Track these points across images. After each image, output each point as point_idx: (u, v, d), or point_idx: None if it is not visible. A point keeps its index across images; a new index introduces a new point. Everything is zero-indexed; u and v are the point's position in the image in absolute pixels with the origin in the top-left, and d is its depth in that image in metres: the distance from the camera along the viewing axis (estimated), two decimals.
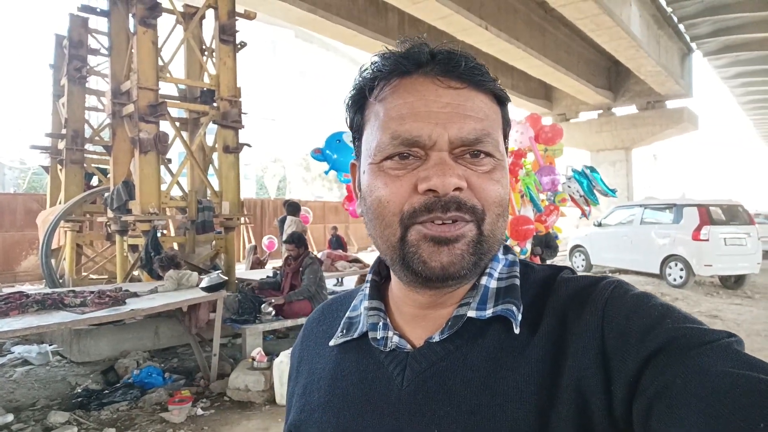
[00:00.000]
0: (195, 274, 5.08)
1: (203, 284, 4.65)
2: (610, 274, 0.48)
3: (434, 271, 0.54)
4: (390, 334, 0.61)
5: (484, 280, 0.60)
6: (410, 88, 0.56)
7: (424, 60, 0.57)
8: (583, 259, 11.99)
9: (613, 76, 21.44)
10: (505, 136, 0.62)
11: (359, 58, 43.55)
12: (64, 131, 7.89)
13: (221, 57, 6.91)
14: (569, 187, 5.73)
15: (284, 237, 7.68)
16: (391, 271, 0.63)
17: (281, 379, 4.10)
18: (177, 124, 7.00)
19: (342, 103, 0.64)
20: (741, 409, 0.39)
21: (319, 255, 7.85)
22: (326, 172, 3.71)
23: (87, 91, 8.29)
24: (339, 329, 0.66)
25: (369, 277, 0.68)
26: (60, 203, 7.96)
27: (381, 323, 0.62)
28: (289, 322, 5.30)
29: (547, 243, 5.72)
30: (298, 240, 5.71)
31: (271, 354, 4.65)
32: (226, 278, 4.84)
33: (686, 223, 9.43)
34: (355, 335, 0.64)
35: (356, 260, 7.71)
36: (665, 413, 0.43)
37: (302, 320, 5.41)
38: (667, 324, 0.48)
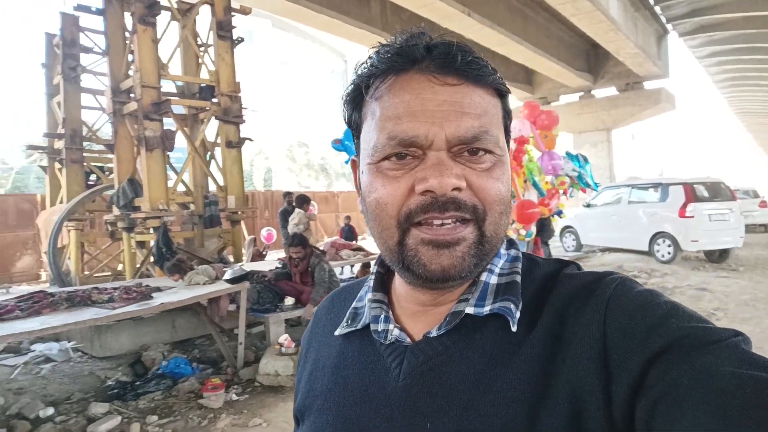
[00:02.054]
0: (207, 269, 5.22)
1: (227, 276, 4.81)
2: (614, 271, 0.50)
3: (434, 274, 0.54)
4: (391, 326, 0.62)
5: (484, 276, 0.59)
6: (406, 86, 0.55)
7: (419, 56, 0.55)
8: (574, 240, 12.37)
9: (592, 59, 21.81)
10: (506, 129, 0.60)
11: (338, 46, 43.33)
12: (61, 130, 7.90)
13: (219, 53, 6.99)
14: (566, 167, 6.03)
15: (289, 228, 7.85)
16: None
17: None
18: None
19: (337, 98, 0.62)
20: (749, 410, 0.39)
21: (322, 245, 8.04)
22: (346, 162, 3.85)
23: (82, 90, 8.28)
24: (344, 319, 0.67)
25: (374, 268, 0.68)
26: (61, 202, 7.99)
27: (383, 316, 0.63)
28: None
29: (541, 226, 5.99)
30: (301, 242, 5.71)
31: (297, 340, 4.85)
32: (248, 270, 5.00)
33: (672, 201, 9.83)
34: (359, 326, 0.65)
35: (359, 248, 7.90)
36: (671, 413, 0.42)
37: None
38: (672, 323, 0.48)
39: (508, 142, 0.61)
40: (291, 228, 7.59)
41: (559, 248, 12.39)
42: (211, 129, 7.39)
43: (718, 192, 10.08)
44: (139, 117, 6.26)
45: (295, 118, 34.38)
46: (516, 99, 22.72)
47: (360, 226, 16.91)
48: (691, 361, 0.44)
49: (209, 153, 7.39)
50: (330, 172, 32.24)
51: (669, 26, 19.91)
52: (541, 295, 0.57)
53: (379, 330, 0.62)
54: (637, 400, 0.45)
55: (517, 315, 0.56)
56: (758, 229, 15.68)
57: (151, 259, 6.47)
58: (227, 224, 7.27)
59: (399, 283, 0.64)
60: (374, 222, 0.57)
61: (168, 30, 7.26)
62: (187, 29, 6.92)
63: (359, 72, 0.59)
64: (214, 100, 7.07)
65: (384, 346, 0.61)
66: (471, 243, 0.54)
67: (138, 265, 6.90)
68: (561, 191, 6.03)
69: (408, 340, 0.60)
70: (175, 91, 7.49)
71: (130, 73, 6.63)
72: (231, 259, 7.22)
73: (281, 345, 4.60)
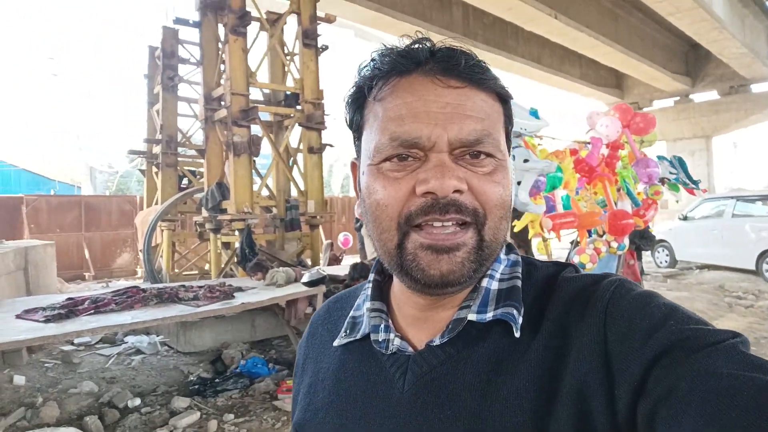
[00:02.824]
0: (288, 270, 5.30)
1: (305, 279, 4.86)
2: (612, 273, 0.43)
3: (433, 279, 0.53)
4: (392, 336, 0.61)
5: (485, 282, 0.59)
6: (409, 88, 0.55)
7: (422, 58, 0.55)
8: (667, 255, 11.47)
9: (691, 61, 20.31)
10: (507, 135, 0.60)
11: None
12: (159, 136, 8.45)
13: (304, 61, 7.16)
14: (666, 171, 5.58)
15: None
16: None
17: None
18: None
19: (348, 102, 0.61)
20: (748, 412, 0.39)
21: None
22: None
23: (178, 98, 8.83)
24: (343, 329, 0.66)
25: (372, 276, 0.67)
26: (156, 203, 8.53)
27: (383, 325, 0.62)
28: None
29: (641, 235, 5.58)
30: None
31: None
32: (326, 274, 5.02)
33: None
34: (358, 336, 0.63)
35: None
36: (671, 416, 0.42)
37: None
38: (671, 325, 0.47)
39: (509, 147, 0.60)
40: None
41: (650, 263, 11.51)
42: (293, 135, 7.58)
43: None
44: (228, 123, 6.53)
45: None
46: (604, 104, 21.60)
47: None
48: (689, 364, 0.43)
49: (291, 158, 7.58)
50: None
51: None
52: (541, 299, 0.57)
53: (380, 340, 0.61)
54: (638, 404, 0.45)
55: (520, 320, 0.55)
56: None
57: (235, 259, 6.71)
58: (306, 228, 7.41)
59: (398, 289, 0.63)
60: (374, 224, 0.56)
61: (257, 39, 7.56)
62: (274, 38, 7.16)
63: (362, 74, 0.59)
64: (298, 107, 7.24)
65: (386, 357, 0.60)
66: (470, 248, 0.53)
67: (222, 265, 7.19)
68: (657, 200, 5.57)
69: (410, 349, 0.60)
70: (261, 98, 7.77)
71: (222, 81, 6.94)
72: (309, 262, 7.34)
73: None
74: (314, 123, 7.10)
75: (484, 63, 0.57)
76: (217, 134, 7.14)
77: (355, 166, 0.65)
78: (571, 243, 5.80)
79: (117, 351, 5.81)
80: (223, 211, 6.87)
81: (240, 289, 5.09)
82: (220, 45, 7.07)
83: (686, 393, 0.42)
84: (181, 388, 4.63)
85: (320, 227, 7.79)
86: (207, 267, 8.68)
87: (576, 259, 4.36)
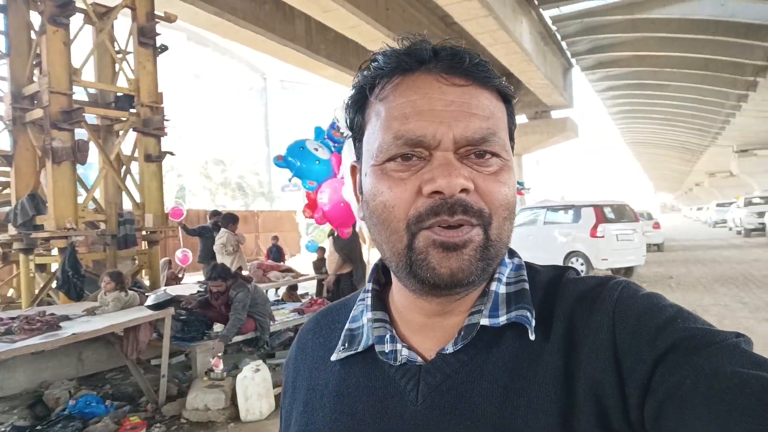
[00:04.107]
0: (136, 296, 4.76)
1: (149, 302, 4.39)
2: (614, 275, 0.50)
3: (443, 277, 0.52)
4: (399, 347, 0.58)
5: (493, 286, 0.58)
6: (413, 86, 0.54)
7: (426, 57, 0.55)
8: None
9: None
10: (511, 136, 0.60)
11: (258, 63, 42.54)
12: None
13: (140, 61, 6.54)
14: None
15: (215, 248, 7.38)
16: (393, 279, 0.61)
17: (245, 394, 3.99)
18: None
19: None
20: (750, 410, 0.40)
21: (248, 267, 7.65)
22: (290, 180, 3.67)
23: None
24: (340, 342, 0.63)
25: (369, 286, 0.65)
26: None
27: (388, 336, 0.59)
28: (239, 337, 5.14)
29: None
30: (221, 274, 5.22)
31: (227, 366, 4.50)
32: (173, 295, 4.59)
33: (584, 222, 10.48)
34: (360, 348, 0.61)
35: (289, 269, 7.61)
36: (675, 415, 0.43)
37: (250, 335, 5.28)
38: (677, 324, 0.48)
39: (512, 148, 0.60)
40: (217, 248, 7.15)
41: None
42: (127, 142, 6.83)
43: (623, 214, 10.89)
44: (46, 126, 5.65)
45: (210, 134, 33.07)
46: None
47: (289, 246, 16.42)
48: (693, 362, 0.44)
49: (124, 167, 6.81)
50: (248, 191, 31.25)
51: (573, 60, 21.58)
52: (548, 302, 0.57)
53: (387, 351, 0.58)
54: (645, 402, 0.46)
55: (533, 323, 0.55)
56: (652, 248, 17.11)
57: (54, 284, 5.79)
58: (144, 245, 6.72)
59: (401, 296, 0.60)
60: (381, 226, 0.54)
61: (81, 32, 6.67)
62: (104, 33, 6.39)
63: (363, 74, 0.58)
64: (132, 110, 6.55)
65: (394, 369, 0.58)
66: (477, 246, 0.52)
67: (37, 291, 6.16)
68: None
69: (419, 359, 0.58)
70: (86, 99, 6.86)
71: (35, 78, 5.98)
72: (147, 283, 6.65)
73: (209, 372, 4.24)
74: (152, 128, 6.49)
75: (488, 62, 0.57)
76: (29, 138, 6.13)
77: (354, 169, 0.63)
78: None
79: None
80: (38, 228, 5.90)
81: (67, 318, 4.40)
82: (33, 35, 6.10)
83: (690, 391, 0.43)
84: None
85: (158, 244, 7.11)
86: (11, 294, 7.35)
87: None
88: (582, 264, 10.52)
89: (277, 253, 9.39)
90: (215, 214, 8.53)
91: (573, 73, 23.53)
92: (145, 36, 6.52)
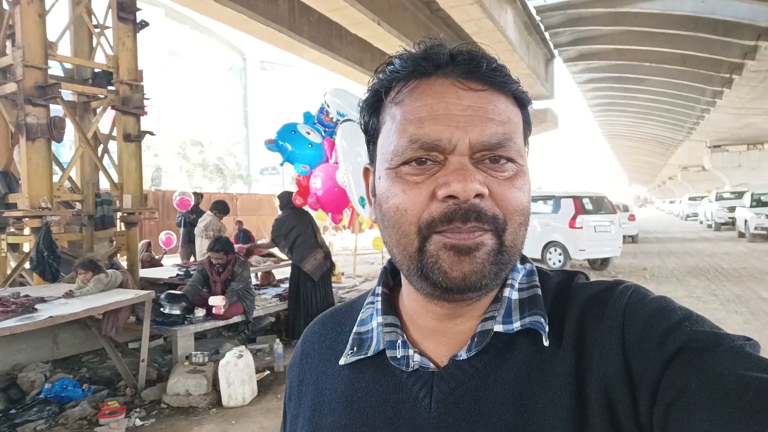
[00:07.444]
0: (118, 274, 4.65)
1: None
2: (623, 279, 0.50)
3: (455, 281, 0.52)
4: (411, 352, 0.58)
5: (506, 292, 0.57)
6: (429, 90, 0.54)
7: (443, 61, 0.54)
8: None
9: None
10: (526, 140, 0.60)
11: (238, 43, 41.64)
12: None
13: (120, 36, 6.31)
14: None
15: (196, 231, 7.27)
16: (403, 282, 0.61)
17: (228, 380, 3.95)
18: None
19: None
20: (753, 412, 0.40)
21: None
22: (281, 164, 3.59)
23: None
24: (348, 346, 0.62)
25: (379, 290, 0.64)
26: None
27: (400, 341, 0.59)
28: (222, 323, 5.09)
29: None
30: (225, 247, 5.29)
31: (208, 352, 4.45)
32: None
33: (563, 213, 10.61)
34: (369, 353, 0.60)
35: (270, 255, 7.54)
36: (681, 418, 0.43)
37: (236, 319, 5.22)
38: (685, 326, 0.49)
39: (527, 153, 0.60)
40: (198, 231, 7.02)
41: None
42: (104, 120, 6.62)
43: (601, 205, 11.06)
44: (19, 101, 5.42)
45: (188, 114, 32.37)
46: None
47: (257, 231, 16.23)
48: (698, 365, 0.45)
49: (102, 146, 6.61)
50: (226, 173, 30.76)
51: (555, 52, 21.70)
52: (558, 307, 0.57)
53: (398, 356, 0.58)
54: (654, 407, 0.46)
55: (547, 328, 0.55)
56: (627, 240, 17.49)
57: (28, 264, 5.62)
58: (122, 226, 6.56)
59: (411, 299, 0.60)
60: (393, 229, 0.54)
61: (56, 5, 6.41)
62: (81, 6, 6.14)
63: (379, 77, 0.58)
64: (111, 87, 6.35)
65: (406, 375, 0.57)
66: (490, 249, 0.52)
67: (9, 272, 5.98)
68: None
69: (431, 365, 0.57)
70: (62, 74, 6.60)
71: (8, 51, 5.74)
72: (124, 265, 6.51)
73: (189, 357, 4.19)
74: (132, 107, 6.29)
75: (505, 67, 0.56)
76: (1, 113, 5.89)
77: (368, 172, 0.62)
78: None
79: None
80: (10, 207, 5.70)
81: (42, 300, 4.28)
82: (6, 5, 5.84)
83: (695, 394, 0.43)
84: None
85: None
86: None
87: None
88: (560, 254, 10.68)
89: (245, 237, 9.25)
90: (197, 195, 8.37)
91: (555, 64, 23.68)
92: (125, 11, 6.29)
